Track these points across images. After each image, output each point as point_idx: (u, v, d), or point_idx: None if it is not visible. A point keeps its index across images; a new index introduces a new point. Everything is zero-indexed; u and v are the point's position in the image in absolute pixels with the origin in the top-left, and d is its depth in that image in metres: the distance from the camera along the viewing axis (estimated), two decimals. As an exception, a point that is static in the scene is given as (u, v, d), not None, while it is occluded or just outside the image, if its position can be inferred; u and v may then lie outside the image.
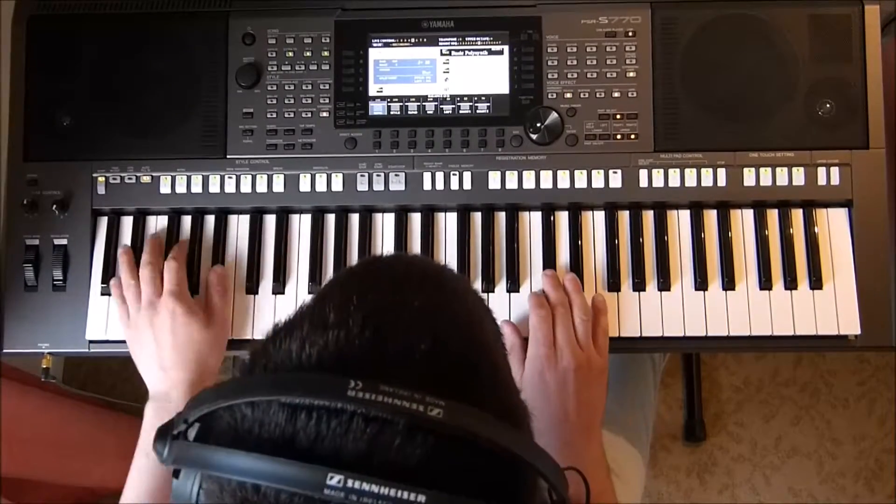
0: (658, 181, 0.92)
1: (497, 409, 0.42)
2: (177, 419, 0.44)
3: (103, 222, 0.94)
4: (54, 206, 0.93)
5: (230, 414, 0.41)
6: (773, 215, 0.92)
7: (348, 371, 0.40)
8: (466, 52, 0.94)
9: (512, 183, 0.92)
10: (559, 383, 0.83)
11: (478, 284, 0.91)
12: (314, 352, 0.42)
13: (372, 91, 0.93)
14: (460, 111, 0.93)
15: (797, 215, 0.92)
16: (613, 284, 0.91)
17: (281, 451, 0.38)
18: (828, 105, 0.92)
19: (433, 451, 0.38)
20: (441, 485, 0.37)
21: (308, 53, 0.94)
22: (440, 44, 0.94)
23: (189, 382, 0.83)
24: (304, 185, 0.93)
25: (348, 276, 0.53)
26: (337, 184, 0.93)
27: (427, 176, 0.92)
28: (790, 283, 0.90)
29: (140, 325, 0.87)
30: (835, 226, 0.92)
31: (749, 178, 0.92)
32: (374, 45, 0.94)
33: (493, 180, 0.92)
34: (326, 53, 0.94)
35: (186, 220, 0.94)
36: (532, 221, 0.93)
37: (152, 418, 0.82)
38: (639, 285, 0.91)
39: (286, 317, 0.47)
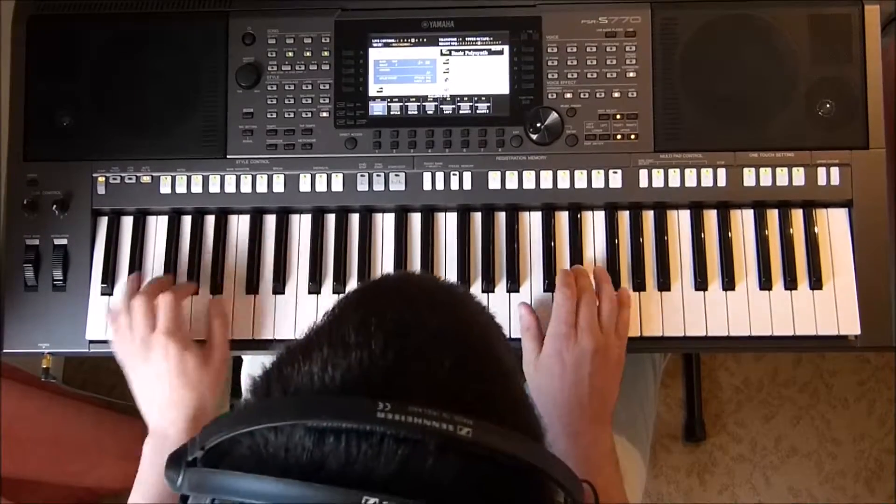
0: (658, 181, 0.92)
1: (518, 425, 0.42)
2: (191, 445, 0.42)
3: (103, 222, 0.94)
4: (54, 206, 0.93)
5: (251, 439, 0.40)
6: (773, 215, 0.92)
7: (373, 392, 0.40)
8: (466, 52, 0.94)
9: (512, 183, 0.92)
10: (575, 364, 0.82)
11: (478, 284, 0.91)
12: (337, 374, 0.41)
13: (372, 91, 0.93)
14: (460, 111, 0.93)
15: (797, 215, 0.92)
16: (613, 284, 0.91)
17: (311, 477, 0.37)
18: (828, 105, 0.92)
19: (463, 468, 0.38)
20: (472, 500, 0.38)
21: (308, 53, 0.94)
22: (440, 44, 0.94)
23: (186, 418, 0.81)
24: (304, 185, 0.93)
25: (360, 296, 0.53)
26: (337, 184, 0.93)
27: (427, 176, 0.92)
28: (790, 284, 0.90)
29: (135, 362, 0.84)
30: (835, 226, 0.92)
31: (749, 178, 0.92)
32: (374, 45, 0.94)
33: (493, 180, 0.92)
34: (326, 53, 0.94)
35: (186, 220, 0.94)
36: (532, 221, 0.93)
37: (151, 454, 0.81)
38: (639, 285, 0.91)
39: (298, 339, 0.46)
